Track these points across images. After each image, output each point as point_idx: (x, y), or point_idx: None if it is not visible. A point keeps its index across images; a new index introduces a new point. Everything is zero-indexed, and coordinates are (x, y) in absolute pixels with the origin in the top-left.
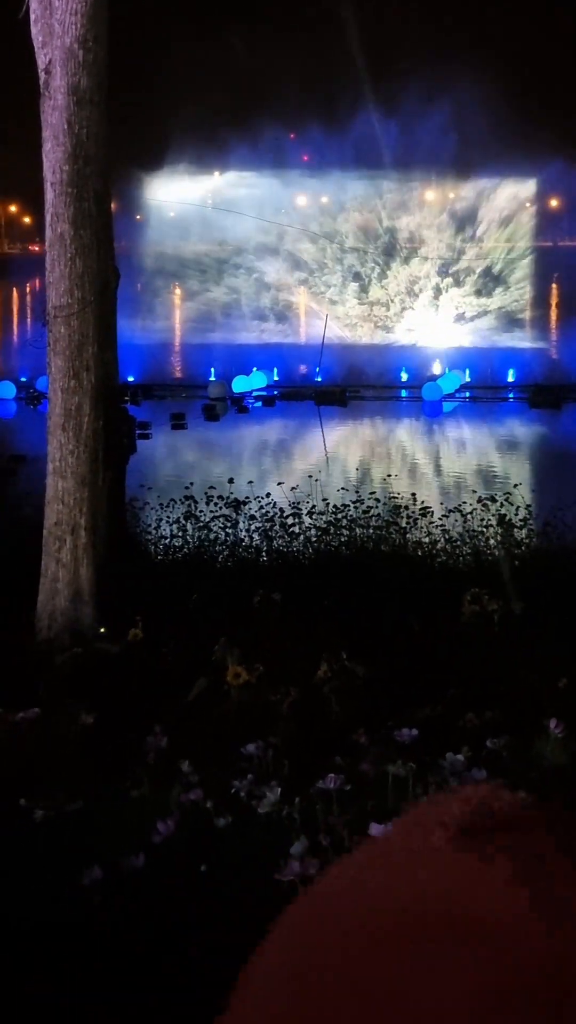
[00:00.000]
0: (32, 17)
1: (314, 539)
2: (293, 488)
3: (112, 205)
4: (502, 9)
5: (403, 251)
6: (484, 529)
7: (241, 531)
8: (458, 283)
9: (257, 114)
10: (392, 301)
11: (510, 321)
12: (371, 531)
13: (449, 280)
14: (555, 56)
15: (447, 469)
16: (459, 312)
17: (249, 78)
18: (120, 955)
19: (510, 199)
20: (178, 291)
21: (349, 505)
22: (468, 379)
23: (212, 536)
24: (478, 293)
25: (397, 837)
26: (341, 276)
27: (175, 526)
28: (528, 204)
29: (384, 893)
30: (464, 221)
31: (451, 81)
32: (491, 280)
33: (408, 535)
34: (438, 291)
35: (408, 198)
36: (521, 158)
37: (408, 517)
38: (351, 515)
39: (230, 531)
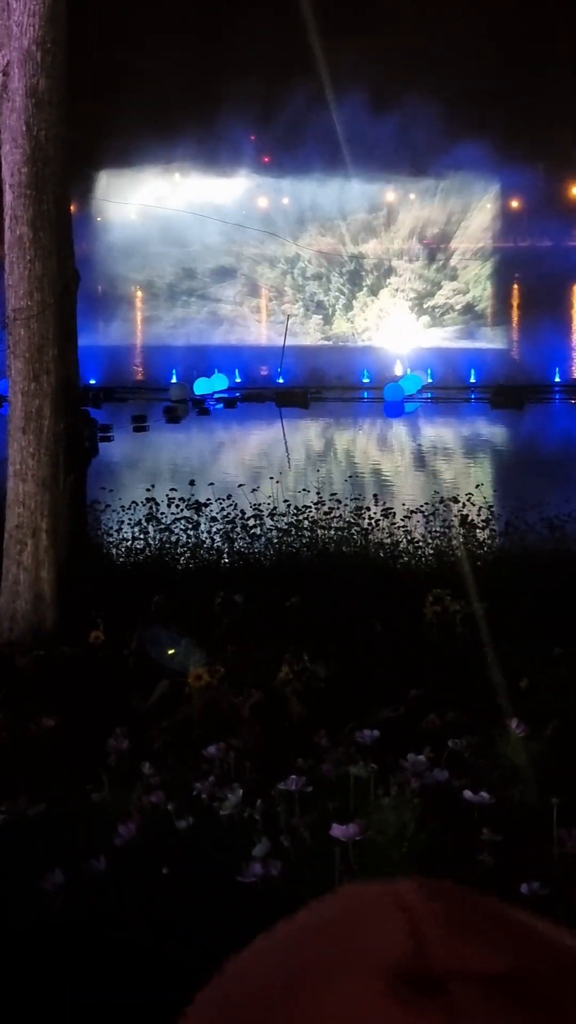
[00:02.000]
0: None
1: (275, 541)
2: (254, 490)
3: (72, 207)
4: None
5: (370, 276)
6: (446, 530)
7: (202, 533)
8: (436, 321)
9: (217, 115)
10: (359, 336)
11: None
12: (333, 532)
13: (426, 319)
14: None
15: (408, 470)
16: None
17: (208, 79)
18: (81, 958)
19: (475, 204)
20: (139, 294)
21: (310, 506)
22: (430, 380)
23: (173, 538)
24: (460, 334)
25: (333, 950)
26: (303, 304)
27: (136, 529)
28: (490, 205)
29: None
30: (436, 243)
31: (423, 85)
32: (472, 317)
33: (370, 536)
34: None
35: (375, 219)
36: (487, 162)
37: (370, 518)
38: (312, 516)
39: (191, 533)
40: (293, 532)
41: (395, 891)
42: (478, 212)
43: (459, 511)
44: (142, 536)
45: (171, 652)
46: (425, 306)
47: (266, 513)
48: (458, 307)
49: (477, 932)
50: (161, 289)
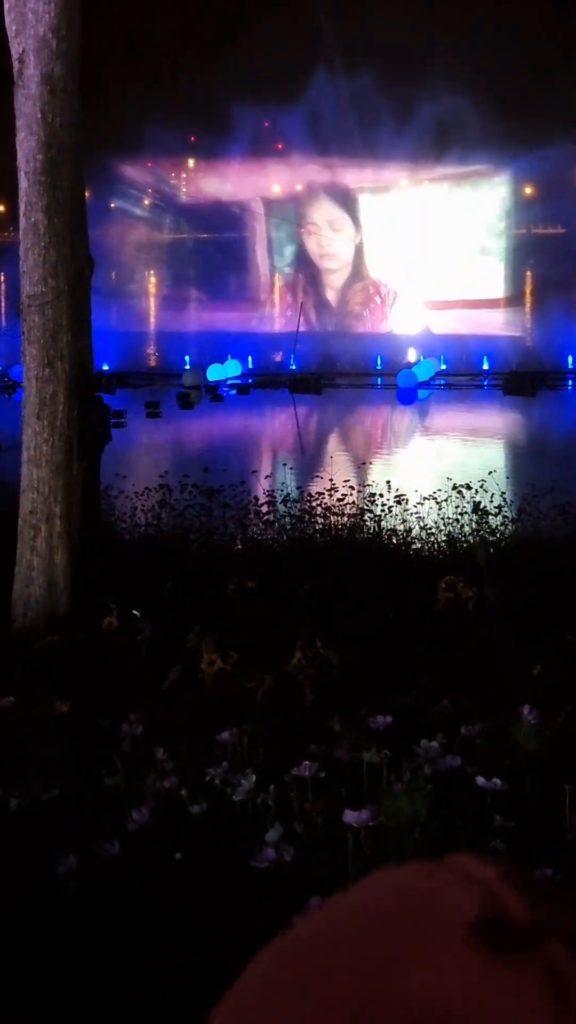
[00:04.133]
0: (5, 6)
1: (288, 527)
2: (267, 476)
3: (86, 193)
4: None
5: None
6: (459, 516)
7: (216, 519)
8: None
9: (229, 101)
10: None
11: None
12: (345, 519)
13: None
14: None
15: (421, 456)
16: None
17: (224, 64)
18: (95, 942)
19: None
20: (152, 279)
21: (323, 493)
22: (443, 366)
23: (187, 524)
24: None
25: (397, 917)
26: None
27: (150, 514)
28: (503, 191)
29: (379, 991)
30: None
31: (435, 68)
32: (485, 303)
33: (382, 523)
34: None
35: (387, 206)
36: (501, 147)
37: (382, 505)
38: (325, 503)
39: (204, 519)
40: (306, 518)
41: (453, 863)
42: (491, 198)
43: (472, 497)
44: (155, 522)
45: None
46: (438, 293)
47: (279, 499)
48: (471, 294)
49: (549, 893)
50: (174, 275)
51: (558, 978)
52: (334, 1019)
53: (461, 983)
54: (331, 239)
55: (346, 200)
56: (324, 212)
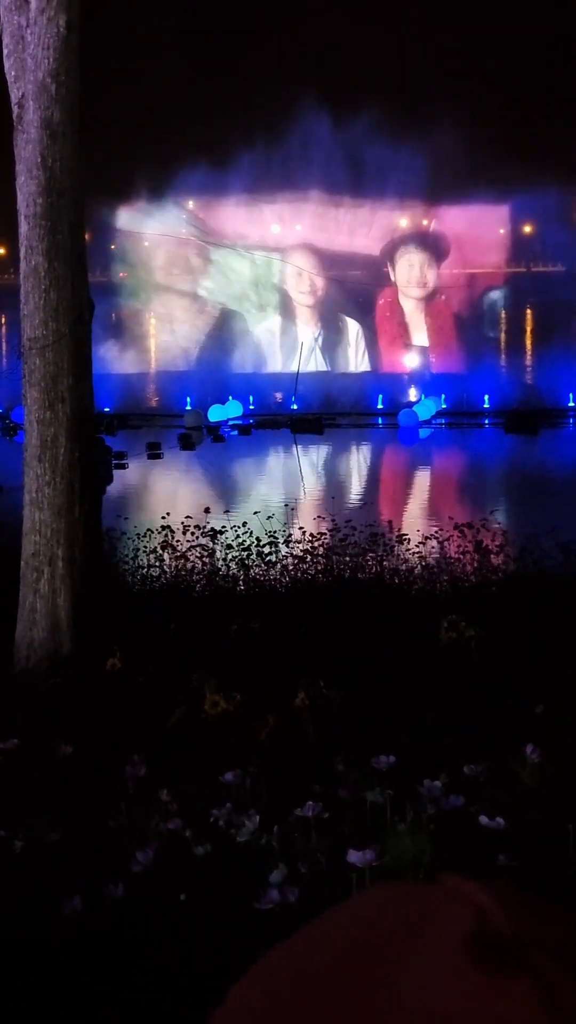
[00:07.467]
0: (4, 52)
1: (291, 567)
2: (269, 517)
3: (86, 236)
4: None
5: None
6: (461, 555)
7: (218, 560)
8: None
9: (229, 144)
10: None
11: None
12: (348, 559)
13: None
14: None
15: (423, 496)
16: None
17: (219, 106)
18: (99, 985)
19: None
20: (152, 320)
21: (326, 533)
22: (444, 405)
23: (189, 565)
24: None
25: (395, 932)
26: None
27: (152, 556)
28: (502, 230)
29: (377, 1000)
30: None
31: (430, 108)
32: (483, 342)
33: (385, 562)
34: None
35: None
36: (499, 186)
37: (384, 544)
38: (328, 543)
39: (207, 560)
40: (308, 559)
41: (446, 882)
42: (490, 237)
43: (474, 536)
44: (158, 563)
45: None
46: (437, 331)
47: (281, 540)
48: (470, 331)
49: (532, 908)
50: (174, 317)
51: (540, 981)
52: None
53: (454, 991)
54: (328, 279)
55: (342, 240)
56: (320, 253)
